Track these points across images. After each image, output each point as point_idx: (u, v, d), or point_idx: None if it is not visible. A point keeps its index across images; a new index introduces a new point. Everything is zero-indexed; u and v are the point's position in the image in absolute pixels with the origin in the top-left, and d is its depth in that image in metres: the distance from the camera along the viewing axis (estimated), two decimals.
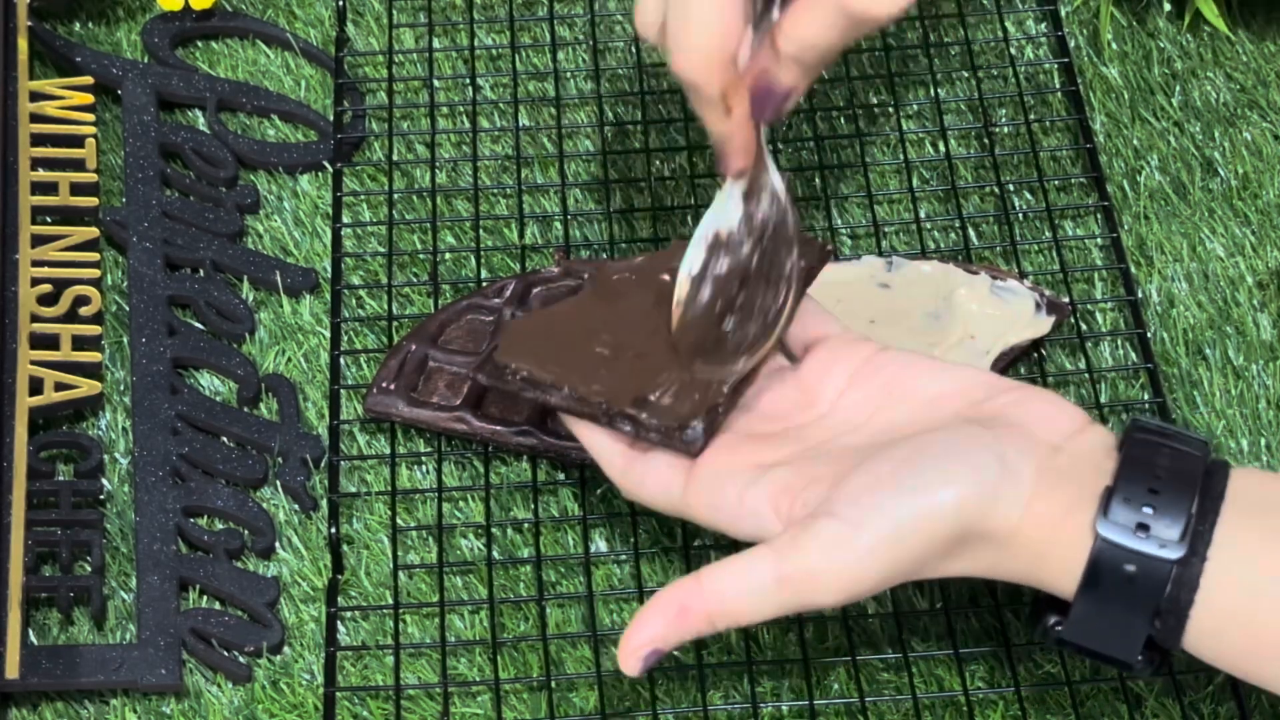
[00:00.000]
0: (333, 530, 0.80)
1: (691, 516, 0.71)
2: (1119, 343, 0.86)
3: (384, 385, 0.84)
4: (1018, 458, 0.66)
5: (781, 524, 0.68)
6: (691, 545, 0.80)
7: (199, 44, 0.98)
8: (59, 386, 0.84)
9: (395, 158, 0.93)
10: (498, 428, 0.82)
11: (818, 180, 0.92)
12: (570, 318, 0.76)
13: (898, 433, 0.69)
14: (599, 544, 0.81)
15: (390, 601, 0.79)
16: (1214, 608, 0.64)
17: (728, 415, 0.73)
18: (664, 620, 0.67)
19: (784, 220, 0.75)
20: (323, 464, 0.83)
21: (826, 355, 0.73)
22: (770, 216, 0.75)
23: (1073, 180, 0.92)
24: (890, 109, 0.94)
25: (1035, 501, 0.66)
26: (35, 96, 0.93)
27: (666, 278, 0.76)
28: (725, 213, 0.75)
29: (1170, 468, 0.66)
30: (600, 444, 0.73)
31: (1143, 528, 0.64)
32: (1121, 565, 0.65)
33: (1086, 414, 0.69)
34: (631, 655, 0.67)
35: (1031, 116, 0.93)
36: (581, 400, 0.73)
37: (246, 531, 0.81)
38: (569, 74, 0.96)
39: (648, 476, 0.72)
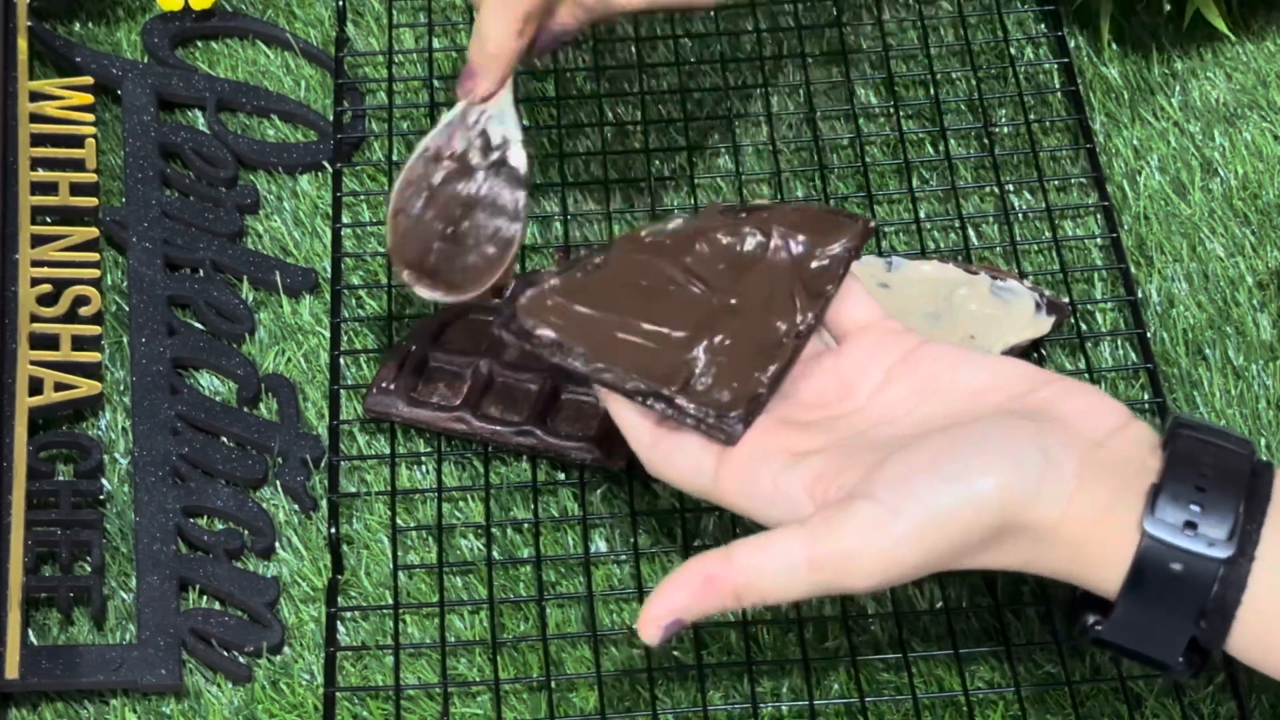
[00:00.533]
0: (332, 530, 0.80)
1: (721, 499, 0.69)
2: (1119, 343, 0.86)
3: (384, 385, 0.84)
4: (1061, 451, 0.65)
5: (816, 509, 0.66)
6: (691, 545, 0.80)
7: (199, 44, 0.98)
8: (59, 386, 0.84)
9: (395, 158, 0.93)
10: (497, 428, 0.82)
11: (817, 180, 0.92)
12: (600, 280, 0.72)
13: (937, 425, 0.68)
14: (599, 544, 0.81)
15: (390, 602, 0.79)
16: (1260, 609, 0.63)
17: (767, 404, 0.70)
18: (690, 590, 0.65)
19: (516, 155, 0.76)
20: (322, 464, 0.83)
21: (868, 346, 0.71)
22: (502, 149, 0.75)
23: (1073, 180, 0.92)
24: (890, 109, 0.94)
25: (1078, 495, 0.64)
26: (35, 96, 0.93)
27: (701, 245, 0.73)
28: (455, 133, 0.75)
29: (1217, 466, 0.65)
30: (628, 417, 0.71)
31: (1190, 526, 0.63)
32: (1168, 563, 0.63)
33: (1128, 409, 0.68)
34: (652, 624, 0.65)
35: (1031, 116, 0.93)
36: (617, 375, 0.70)
37: (246, 531, 0.81)
38: (569, 74, 0.96)
39: (677, 454, 0.70)
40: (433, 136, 0.76)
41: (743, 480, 0.68)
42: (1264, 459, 0.66)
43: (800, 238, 0.73)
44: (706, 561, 0.66)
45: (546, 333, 0.71)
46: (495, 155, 0.75)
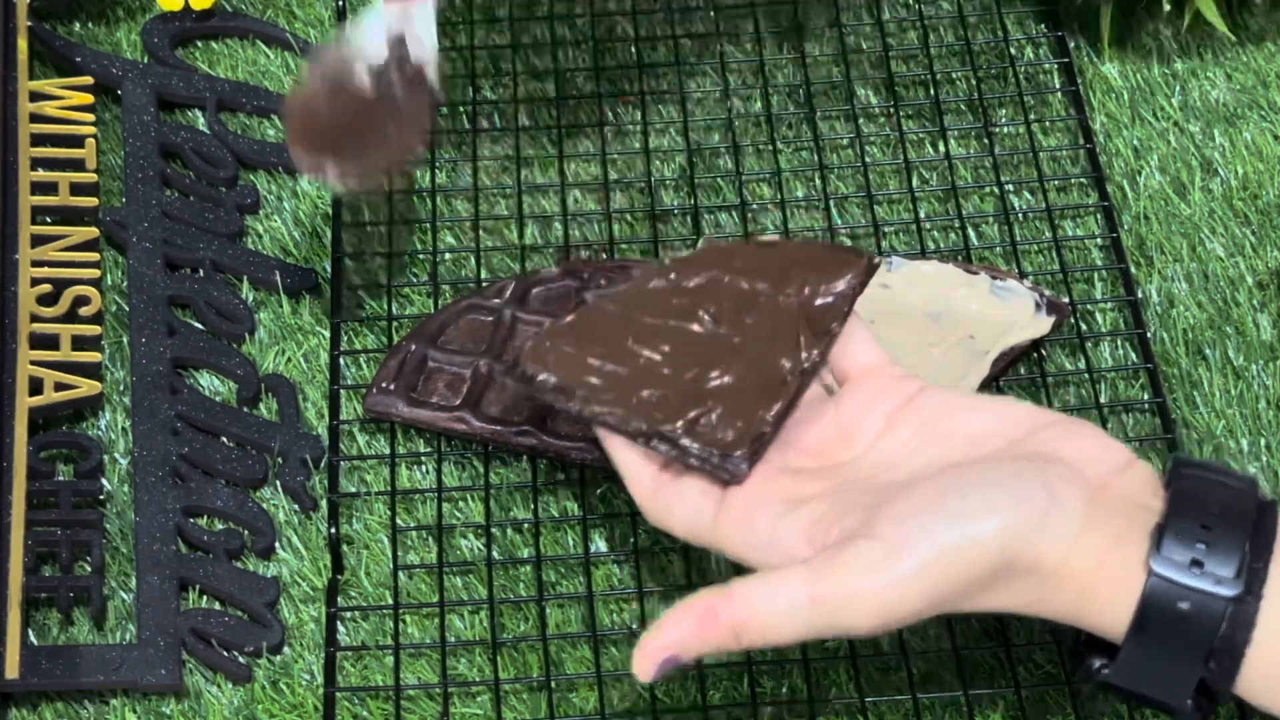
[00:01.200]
0: (332, 530, 0.80)
1: (720, 547, 0.69)
2: (1119, 343, 0.86)
3: (383, 385, 0.84)
4: (1067, 490, 0.65)
5: (814, 553, 0.66)
6: (691, 545, 0.80)
7: (199, 44, 0.98)
8: (59, 386, 0.84)
9: None
10: (497, 427, 0.82)
11: (817, 180, 0.91)
12: (603, 320, 0.73)
13: (938, 469, 0.67)
14: (599, 544, 0.81)
15: (390, 602, 0.79)
16: (1269, 649, 0.63)
17: (771, 444, 0.70)
18: (687, 626, 0.65)
19: (428, 67, 0.80)
20: (322, 464, 0.83)
21: (869, 392, 0.71)
22: (417, 58, 0.79)
23: (1073, 180, 0.92)
24: (890, 109, 0.94)
25: (1084, 536, 0.64)
26: (35, 96, 0.93)
27: (704, 282, 0.74)
28: (374, 34, 0.80)
29: (1222, 504, 0.64)
30: (631, 462, 0.71)
31: (1197, 564, 0.63)
32: (1175, 603, 0.63)
33: (1129, 450, 0.68)
34: (647, 659, 0.65)
35: (1031, 116, 0.93)
36: (620, 417, 0.71)
37: (246, 532, 0.81)
38: (569, 74, 0.96)
39: (677, 502, 0.70)
40: (351, 33, 0.80)
41: (741, 527, 0.68)
42: (1269, 498, 0.66)
43: (805, 276, 0.73)
44: (705, 598, 0.65)
45: (549, 378, 0.71)
46: (409, 63, 0.79)
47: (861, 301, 0.84)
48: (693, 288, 0.73)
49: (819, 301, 0.72)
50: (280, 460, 0.83)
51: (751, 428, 0.69)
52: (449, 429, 0.83)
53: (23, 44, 0.94)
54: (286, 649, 0.79)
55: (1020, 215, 0.90)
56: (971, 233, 0.89)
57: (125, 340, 0.87)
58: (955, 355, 0.83)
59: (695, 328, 0.72)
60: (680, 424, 0.70)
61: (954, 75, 0.96)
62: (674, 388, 0.71)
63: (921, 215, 0.90)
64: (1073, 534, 0.64)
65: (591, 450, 0.81)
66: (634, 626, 0.78)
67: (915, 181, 0.91)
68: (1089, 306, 0.87)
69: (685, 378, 0.71)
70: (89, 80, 0.94)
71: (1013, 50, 0.96)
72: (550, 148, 0.93)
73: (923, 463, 0.68)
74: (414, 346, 0.85)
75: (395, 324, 0.87)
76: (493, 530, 0.81)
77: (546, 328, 0.73)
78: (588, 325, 0.73)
